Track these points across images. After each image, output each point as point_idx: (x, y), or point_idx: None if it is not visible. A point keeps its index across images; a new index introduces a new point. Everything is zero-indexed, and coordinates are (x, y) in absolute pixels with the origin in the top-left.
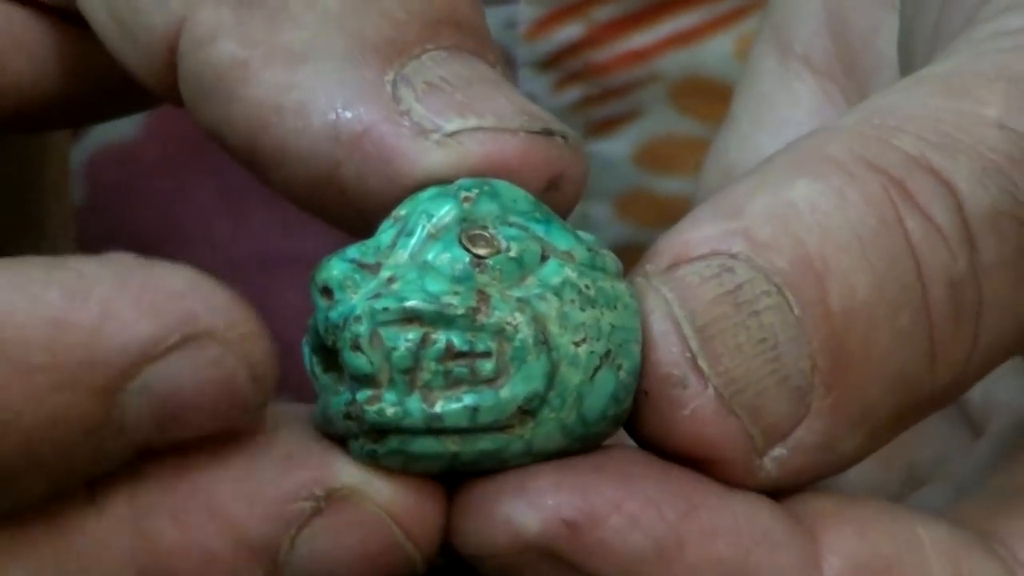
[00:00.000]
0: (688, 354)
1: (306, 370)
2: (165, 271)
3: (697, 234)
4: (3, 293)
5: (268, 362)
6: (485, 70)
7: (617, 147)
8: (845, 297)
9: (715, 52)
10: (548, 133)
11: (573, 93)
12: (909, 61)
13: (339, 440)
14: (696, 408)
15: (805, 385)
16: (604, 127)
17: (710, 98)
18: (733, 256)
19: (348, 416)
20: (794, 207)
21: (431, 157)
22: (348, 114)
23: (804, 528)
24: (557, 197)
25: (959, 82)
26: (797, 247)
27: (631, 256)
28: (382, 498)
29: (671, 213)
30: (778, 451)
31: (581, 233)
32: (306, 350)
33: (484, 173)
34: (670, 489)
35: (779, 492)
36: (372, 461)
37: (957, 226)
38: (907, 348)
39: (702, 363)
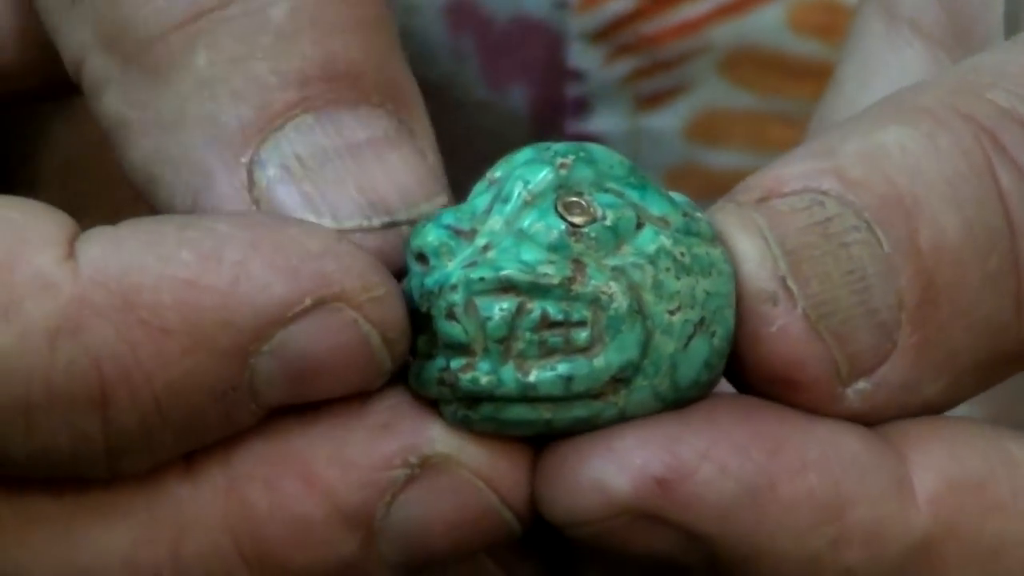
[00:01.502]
0: (779, 273)
1: None
2: (301, 231)
3: (789, 171)
4: (136, 253)
5: (402, 326)
6: (355, 130)
7: (668, 121)
8: (934, 237)
9: (767, 21)
10: (390, 224)
11: (624, 66)
12: (1014, 27)
13: (432, 402)
14: (784, 325)
15: (891, 321)
16: (654, 100)
17: (762, 69)
18: (824, 192)
19: (442, 382)
20: (885, 149)
21: None
22: (203, 199)
23: (893, 449)
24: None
25: None
26: (887, 186)
27: None
28: (476, 464)
29: (723, 187)
30: (862, 384)
31: (675, 195)
32: None
33: None
34: (755, 430)
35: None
36: (465, 426)
37: None
38: (994, 293)
39: (791, 283)
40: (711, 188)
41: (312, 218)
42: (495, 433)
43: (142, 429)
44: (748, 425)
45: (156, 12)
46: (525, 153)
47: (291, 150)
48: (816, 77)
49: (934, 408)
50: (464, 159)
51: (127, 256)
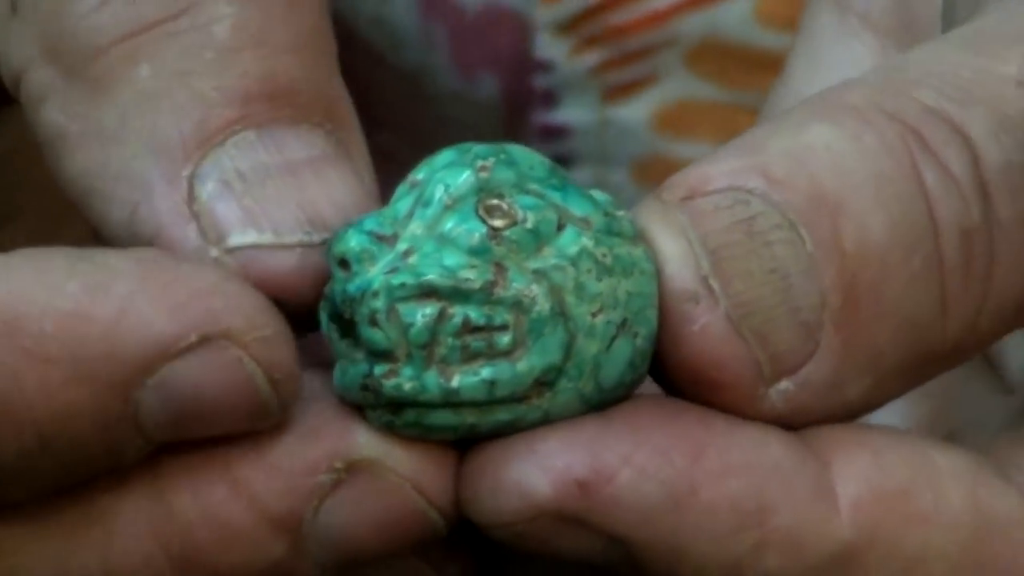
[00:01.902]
0: (701, 272)
1: (323, 335)
2: (192, 269)
3: (714, 168)
4: (23, 282)
5: (289, 368)
6: (295, 149)
7: (635, 112)
8: (858, 236)
9: (734, 13)
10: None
11: (591, 57)
12: (950, 24)
13: (357, 407)
14: (706, 325)
15: (814, 321)
16: (622, 92)
17: (728, 61)
18: (748, 191)
19: (365, 388)
20: (811, 148)
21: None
22: (143, 212)
23: (817, 456)
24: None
25: (982, 41)
26: (812, 185)
27: None
28: (402, 468)
29: None
30: (785, 384)
31: (597, 194)
32: (323, 316)
33: (261, 288)
34: (677, 434)
35: (785, 428)
36: (389, 430)
37: (972, 177)
38: (918, 293)
39: (713, 283)
40: None
41: (253, 232)
42: (419, 437)
43: (22, 459)
44: (671, 428)
45: (100, 25)
46: (446, 155)
47: (232, 165)
48: (782, 69)
49: (859, 408)
50: (435, 148)
51: (14, 284)
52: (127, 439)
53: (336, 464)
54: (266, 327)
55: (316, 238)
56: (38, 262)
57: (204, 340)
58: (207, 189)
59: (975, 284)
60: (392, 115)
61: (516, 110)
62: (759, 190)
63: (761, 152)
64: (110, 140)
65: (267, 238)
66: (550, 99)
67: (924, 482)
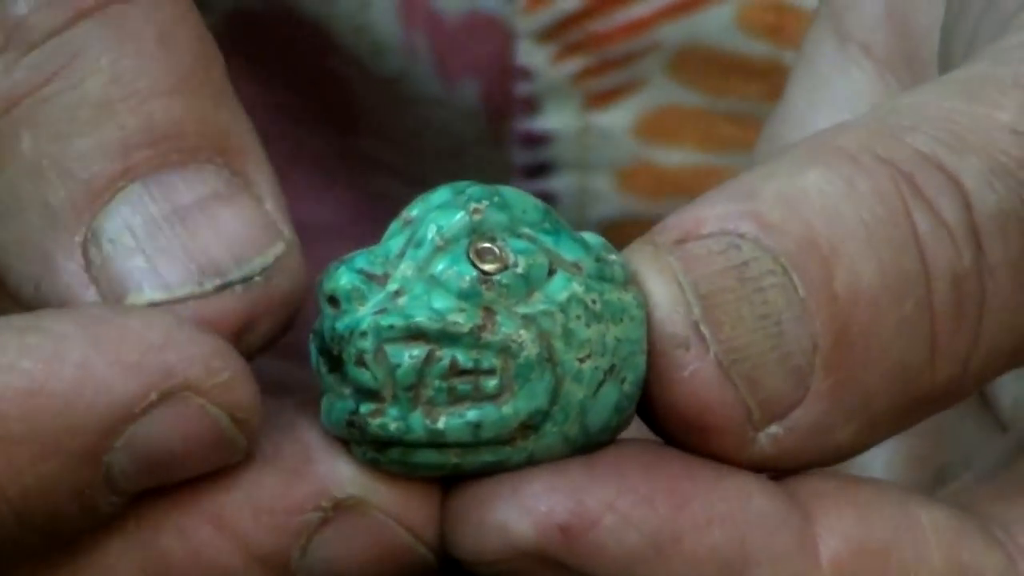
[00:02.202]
0: (692, 318)
1: (311, 367)
2: (142, 322)
3: (708, 212)
4: None
5: (252, 406)
6: (182, 193)
7: (617, 119)
8: (850, 282)
9: (716, 21)
10: (224, 287)
11: (573, 64)
12: (947, 64)
13: (342, 440)
14: (695, 371)
15: (805, 366)
16: (604, 99)
17: (710, 68)
18: (741, 236)
19: (351, 424)
20: (804, 192)
21: None
22: (45, 286)
23: (800, 509)
24: (251, 339)
25: (977, 86)
26: (805, 230)
27: (632, 229)
28: (387, 505)
29: (672, 185)
30: (774, 429)
31: (589, 236)
32: (312, 349)
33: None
34: (662, 482)
35: (773, 471)
36: (374, 467)
37: (964, 223)
38: (908, 338)
39: (704, 328)
40: (661, 186)
41: (148, 291)
42: (404, 475)
43: (4, 531)
44: (655, 476)
45: None
46: (441, 194)
47: (122, 223)
48: (765, 77)
49: (848, 451)
50: (418, 154)
51: None
52: (101, 498)
53: (322, 503)
54: (223, 370)
55: (208, 286)
56: None
57: (165, 396)
58: (101, 252)
59: (965, 329)
60: (374, 120)
61: (498, 116)
62: (751, 235)
63: (754, 197)
64: (5, 216)
65: (159, 295)
66: (532, 106)
67: (907, 540)
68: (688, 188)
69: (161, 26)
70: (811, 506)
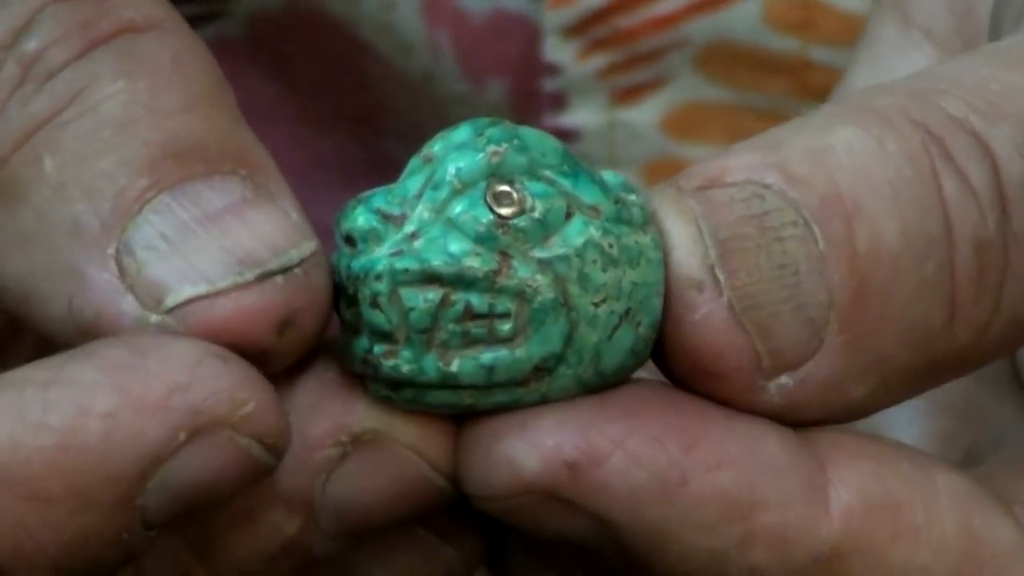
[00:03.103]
0: (708, 261)
1: None
2: (162, 361)
3: (734, 162)
4: (4, 429)
5: (280, 429)
6: (211, 200)
7: (644, 115)
8: (871, 239)
9: (742, 16)
10: (264, 277)
11: (599, 60)
12: (996, 37)
13: (358, 376)
14: (707, 313)
15: (820, 318)
16: (631, 95)
17: (737, 64)
18: (766, 186)
19: (366, 363)
20: (832, 148)
21: None
22: (78, 301)
23: (813, 457)
24: (293, 334)
25: (1016, 56)
26: (830, 184)
27: None
28: (406, 437)
29: None
30: (784, 379)
31: (609, 175)
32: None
33: (210, 340)
34: (673, 423)
35: (782, 423)
36: (388, 402)
37: (991, 189)
38: (927, 301)
39: (719, 273)
40: None
41: (188, 287)
42: (418, 411)
43: None
44: (667, 416)
45: None
46: (461, 131)
47: (154, 231)
48: (792, 72)
49: (861, 409)
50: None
51: None
52: (137, 537)
53: (342, 438)
54: (249, 400)
55: (249, 275)
56: (12, 400)
57: (194, 434)
58: (136, 260)
59: (986, 296)
60: (398, 121)
61: (525, 115)
62: (776, 186)
63: (782, 149)
64: (32, 242)
65: (201, 289)
66: (559, 102)
67: (919, 499)
68: None
69: (174, 51)
70: (826, 455)
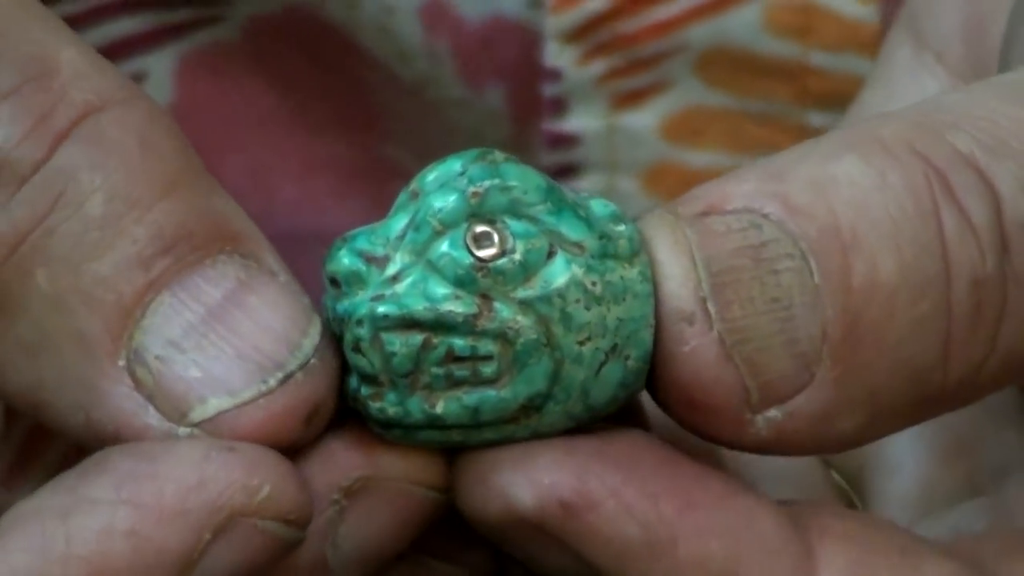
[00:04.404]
0: (699, 294)
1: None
2: (170, 467)
3: (735, 188)
4: (27, 557)
5: (300, 505)
6: (209, 292)
7: (644, 120)
8: (867, 274)
9: (743, 21)
10: (285, 379)
11: (600, 65)
12: (1005, 69)
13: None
14: (696, 347)
15: (812, 353)
16: (631, 99)
17: (737, 69)
18: (765, 216)
19: (355, 401)
20: (834, 180)
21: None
22: (96, 415)
23: (804, 539)
24: (320, 420)
25: None
26: (829, 217)
27: None
28: (396, 472)
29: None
30: (773, 413)
31: (598, 205)
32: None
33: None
34: (671, 482)
35: (769, 454)
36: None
37: (992, 227)
38: (922, 337)
39: (710, 306)
40: (688, 187)
41: (213, 400)
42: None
43: None
44: (666, 474)
45: None
46: (448, 166)
47: (161, 337)
48: (792, 78)
49: (850, 442)
50: (447, 153)
51: (24, 573)
52: None
53: (333, 496)
54: (263, 485)
55: (272, 381)
56: (35, 536)
57: (218, 532)
58: (149, 370)
59: (982, 334)
60: (397, 126)
61: (524, 121)
62: (775, 216)
63: (784, 178)
64: (36, 354)
65: (226, 402)
66: (559, 107)
67: None
68: None
69: (139, 130)
70: (815, 539)
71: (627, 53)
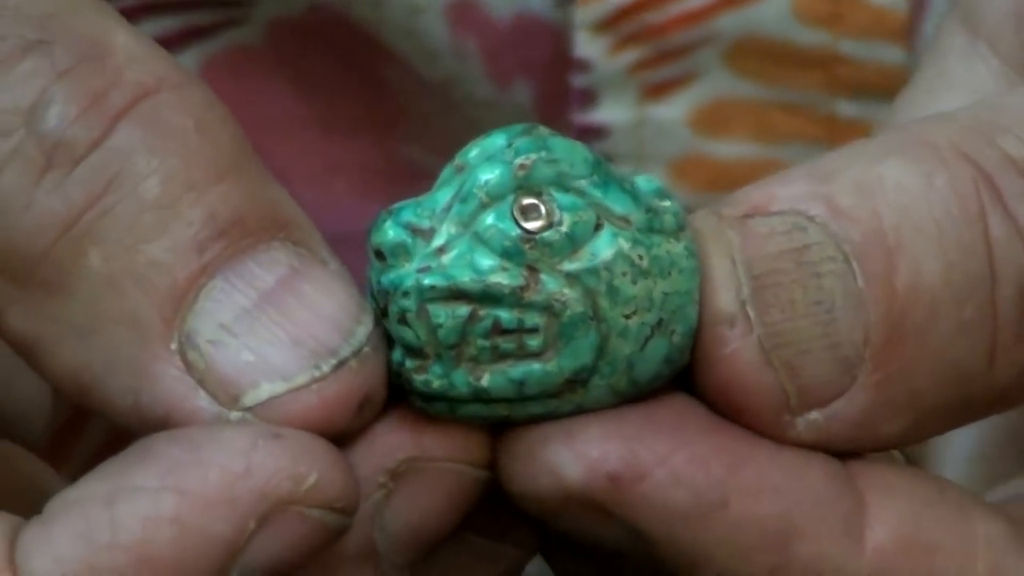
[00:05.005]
0: (740, 297)
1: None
2: (216, 454)
3: (781, 190)
4: (77, 553)
5: (347, 492)
6: (263, 277)
7: (672, 111)
8: (912, 278)
9: (772, 10)
10: (339, 365)
11: (630, 55)
12: None
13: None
14: (736, 350)
15: (854, 356)
16: (660, 90)
17: (766, 58)
18: (810, 218)
19: (399, 375)
20: (880, 182)
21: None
22: (146, 398)
23: (855, 493)
24: (371, 410)
25: None
26: (874, 220)
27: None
28: (440, 452)
29: (728, 177)
30: (814, 415)
31: (643, 181)
32: (368, 293)
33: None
34: (719, 443)
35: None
36: (423, 412)
37: None
38: (966, 342)
39: (750, 309)
40: (716, 178)
41: (266, 385)
42: (452, 421)
43: None
44: (715, 437)
45: (33, 228)
46: (495, 139)
47: (214, 321)
48: (821, 66)
49: (892, 444)
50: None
51: (70, 561)
52: None
53: (380, 479)
54: (310, 473)
55: (326, 367)
56: (79, 520)
57: (263, 519)
58: (201, 354)
59: None
60: (420, 126)
61: (551, 115)
62: (820, 218)
63: (831, 180)
64: (86, 335)
65: (280, 387)
66: (588, 98)
67: (955, 546)
68: (743, 181)
69: (195, 114)
70: (867, 492)
71: (657, 43)
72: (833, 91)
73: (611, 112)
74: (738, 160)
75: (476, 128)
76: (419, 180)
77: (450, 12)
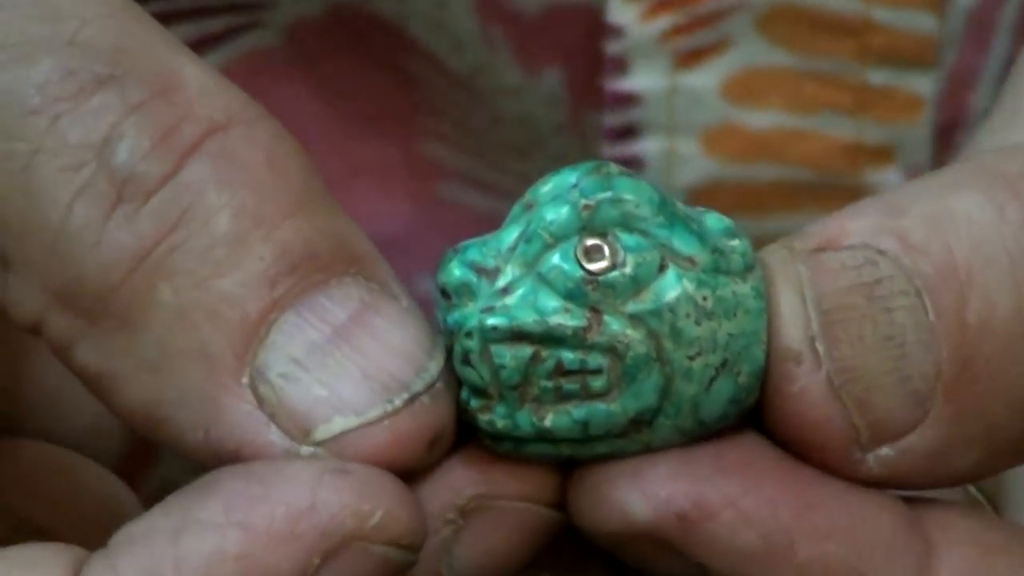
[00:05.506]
0: (809, 333)
1: None
2: (282, 489)
3: (853, 224)
4: None
5: (414, 529)
6: (335, 312)
7: (705, 79)
8: (984, 311)
9: None
10: (411, 399)
11: (662, 22)
12: None
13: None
14: (805, 387)
15: (925, 390)
16: (692, 58)
17: (800, 26)
18: (881, 252)
19: (465, 413)
20: (952, 215)
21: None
22: (216, 432)
23: (924, 539)
24: (442, 447)
25: None
26: (946, 254)
27: (719, 193)
28: (510, 491)
29: (760, 147)
30: (886, 450)
31: (713, 220)
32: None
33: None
34: (788, 486)
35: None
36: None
37: None
38: None
39: (819, 345)
40: (749, 148)
41: (338, 419)
42: (520, 459)
43: None
44: (783, 478)
45: (104, 262)
46: (565, 177)
47: (285, 355)
48: (854, 35)
49: (967, 478)
50: (489, 152)
51: None
52: None
53: (448, 516)
54: (375, 511)
55: (398, 402)
56: (142, 559)
57: (328, 555)
58: (273, 389)
59: None
60: (439, 121)
61: (582, 99)
62: (892, 252)
63: (902, 214)
64: (157, 370)
65: (352, 422)
66: (621, 65)
67: None
68: (776, 151)
69: (265, 148)
70: (935, 538)
71: (690, 10)
72: (864, 59)
73: (643, 79)
74: (771, 130)
75: (499, 120)
76: (439, 178)
77: (477, 3)
